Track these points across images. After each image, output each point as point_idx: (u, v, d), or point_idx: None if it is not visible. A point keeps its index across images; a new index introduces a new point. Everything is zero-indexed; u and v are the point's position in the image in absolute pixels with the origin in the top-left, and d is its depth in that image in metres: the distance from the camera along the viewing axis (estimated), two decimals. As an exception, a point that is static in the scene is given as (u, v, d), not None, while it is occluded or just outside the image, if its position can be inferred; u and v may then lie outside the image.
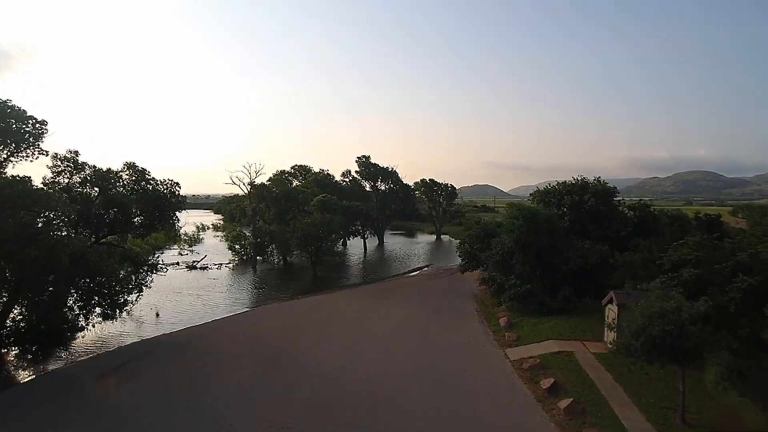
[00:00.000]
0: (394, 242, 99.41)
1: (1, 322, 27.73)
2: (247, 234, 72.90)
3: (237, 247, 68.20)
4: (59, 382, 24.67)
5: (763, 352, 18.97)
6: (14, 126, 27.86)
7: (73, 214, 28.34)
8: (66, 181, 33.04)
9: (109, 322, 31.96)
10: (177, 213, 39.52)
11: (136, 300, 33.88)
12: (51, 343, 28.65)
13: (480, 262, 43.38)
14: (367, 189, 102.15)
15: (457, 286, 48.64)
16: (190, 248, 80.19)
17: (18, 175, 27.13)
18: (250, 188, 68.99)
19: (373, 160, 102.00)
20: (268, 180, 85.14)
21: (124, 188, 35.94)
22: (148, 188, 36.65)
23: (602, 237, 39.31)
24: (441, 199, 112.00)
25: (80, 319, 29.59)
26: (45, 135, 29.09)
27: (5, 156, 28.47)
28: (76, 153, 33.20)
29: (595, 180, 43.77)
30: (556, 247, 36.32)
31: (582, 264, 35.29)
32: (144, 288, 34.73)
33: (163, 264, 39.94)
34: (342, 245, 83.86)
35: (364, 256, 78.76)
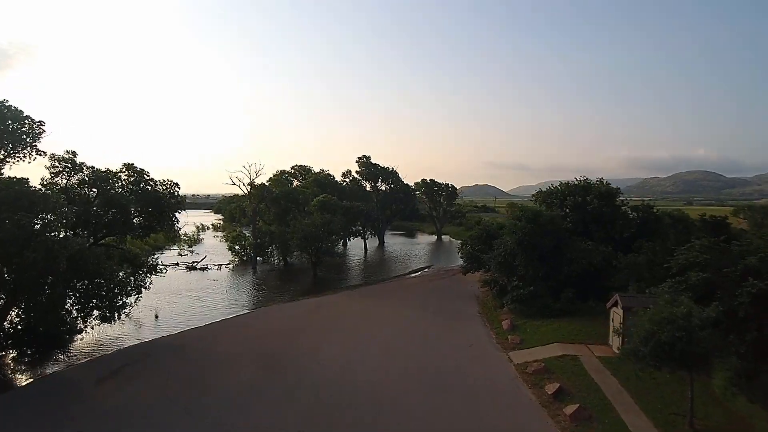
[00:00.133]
0: (394, 243, 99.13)
1: (-1, 324, 27.43)
2: (247, 234, 72.59)
3: (237, 247, 67.89)
4: (58, 385, 24.35)
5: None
6: (11, 126, 27.54)
7: (71, 215, 28.01)
8: (64, 181, 32.74)
9: (107, 325, 31.63)
10: (176, 214, 39.23)
11: (135, 302, 33.60)
12: (49, 346, 28.41)
13: (482, 263, 43.05)
14: (368, 189, 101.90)
15: (459, 288, 48.33)
16: (190, 249, 79.86)
17: (15, 177, 26.82)
18: (250, 188, 68.63)
19: (373, 160, 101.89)
20: (268, 180, 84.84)
21: (123, 189, 35.62)
22: (147, 189, 36.34)
23: (605, 238, 39.00)
24: (441, 200, 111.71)
25: (78, 322, 29.34)
26: (42, 135, 28.80)
27: (2, 157, 28.16)
28: (74, 153, 32.92)
29: (597, 181, 43.55)
30: (559, 249, 36.01)
31: (585, 266, 34.97)
32: (143, 289, 34.44)
33: (163, 265, 39.61)
34: (342, 246, 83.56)
35: (365, 257, 78.49)
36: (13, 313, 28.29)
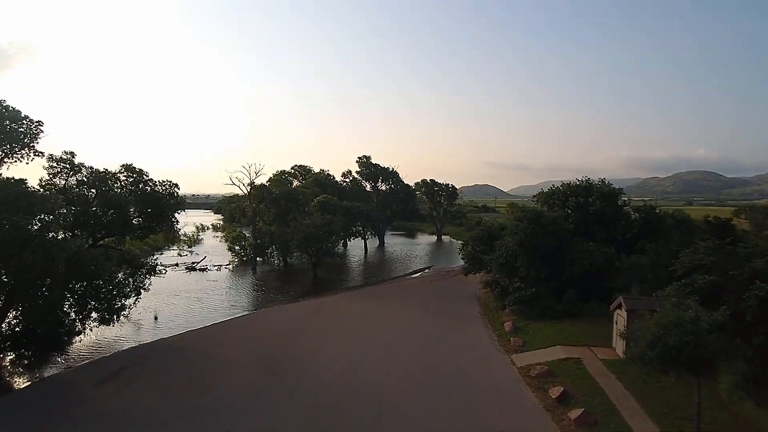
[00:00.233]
0: (394, 243, 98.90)
1: (-3, 326, 27.17)
2: (247, 235, 72.33)
3: (237, 248, 67.64)
4: (56, 388, 24.12)
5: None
6: (9, 127, 27.25)
7: (69, 216, 27.76)
8: (62, 182, 32.45)
9: (106, 326, 31.35)
10: (176, 214, 38.96)
11: (134, 303, 33.34)
12: (47, 348, 28.15)
13: (483, 264, 42.81)
14: (368, 189, 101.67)
15: (460, 289, 48.11)
16: (190, 249, 79.63)
17: (13, 177, 26.55)
18: (250, 189, 68.35)
19: (373, 161, 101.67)
20: (268, 180, 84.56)
21: (122, 190, 35.35)
22: (146, 190, 36.07)
23: (607, 239, 38.78)
24: (442, 200, 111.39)
25: (77, 324, 29.07)
26: (40, 136, 28.51)
27: (-1, 157, 27.90)
28: (72, 154, 32.62)
29: (599, 181, 43.37)
30: (561, 250, 35.78)
31: (587, 267, 34.75)
32: (142, 291, 34.15)
33: (162, 266, 39.35)
34: (342, 246, 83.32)
35: (365, 258, 78.24)
36: (11, 315, 28.03)
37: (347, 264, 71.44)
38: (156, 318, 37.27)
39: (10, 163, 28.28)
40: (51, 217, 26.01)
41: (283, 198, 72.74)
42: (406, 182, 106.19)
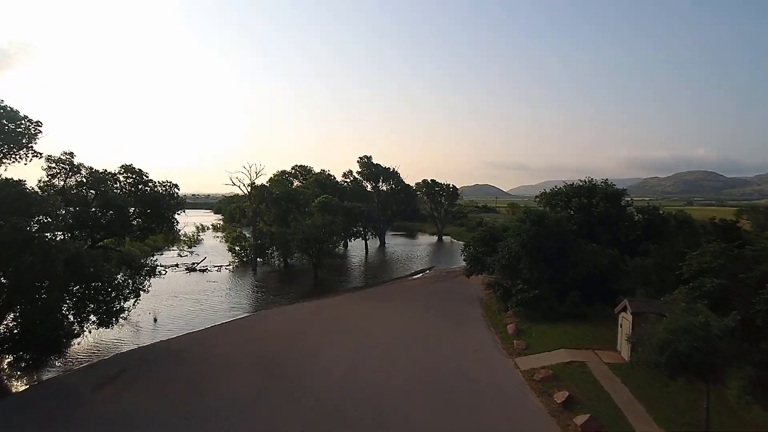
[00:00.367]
0: (395, 243, 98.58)
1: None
2: (247, 235, 72.01)
3: (237, 248, 67.32)
4: (55, 392, 23.84)
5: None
6: (7, 127, 26.94)
7: (68, 217, 27.46)
8: (61, 183, 32.16)
9: (105, 329, 31.00)
10: (176, 215, 38.70)
11: (133, 305, 32.99)
12: (46, 351, 27.75)
13: (485, 266, 42.49)
14: (369, 189, 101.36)
15: (461, 290, 47.80)
16: (190, 249, 79.29)
17: (12, 178, 26.26)
18: (251, 189, 68.03)
19: (373, 161, 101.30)
20: (269, 180, 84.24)
21: (122, 190, 35.07)
22: (145, 190, 35.81)
23: (610, 240, 38.48)
24: (443, 200, 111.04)
25: (75, 326, 28.73)
26: (39, 136, 28.20)
27: (-3, 158, 27.60)
28: (71, 155, 32.36)
29: (602, 182, 43.09)
30: (564, 251, 35.46)
31: (590, 268, 34.44)
32: (142, 292, 33.85)
33: (162, 266, 39.08)
34: (343, 247, 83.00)
35: (366, 258, 77.92)
36: (9, 317, 27.70)
37: (348, 265, 71.14)
38: (156, 320, 36.94)
39: (8, 163, 27.99)
40: (49, 218, 25.71)
41: (284, 198, 72.40)
42: (406, 182, 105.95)
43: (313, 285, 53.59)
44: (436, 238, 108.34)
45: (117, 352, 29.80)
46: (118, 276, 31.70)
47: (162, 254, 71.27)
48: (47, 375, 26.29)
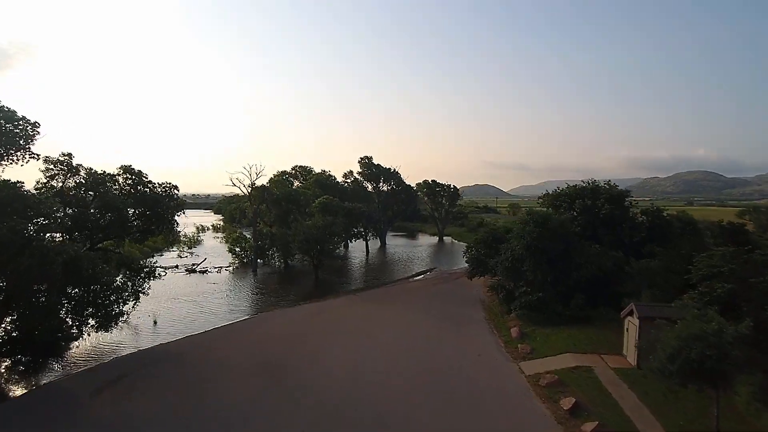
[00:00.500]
0: (396, 244, 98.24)
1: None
2: (248, 236, 71.65)
3: (237, 249, 66.97)
4: (53, 396, 23.55)
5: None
6: (4, 127, 26.57)
7: (66, 219, 27.11)
8: (60, 184, 31.80)
9: (105, 332, 30.72)
10: (175, 216, 38.35)
11: (132, 307, 32.69)
12: (45, 354, 27.49)
13: (488, 268, 42.14)
14: (369, 190, 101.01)
15: (463, 292, 47.45)
16: (190, 250, 78.92)
17: (10, 180, 25.92)
18: (251, 190, 67.67)
19: (374, 161, 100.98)
20: (269, 181, 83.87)
21: (121, 192, 34.71)
22: (145, 192, 35.46)
23: (614, 242, 38.12)
24: (443, 200, 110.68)
25: (74, 330, 28.40)
26: (36, 137, 27.83)
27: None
28: (70, 156, 31.99)
29: (605, 183, 42.75)
30: (568, 253, 35.09)
31: (595, 271, 34.08)
32: (141, 295, 33.55)
33: (162, 268, 38.76)
34: (344, 248, 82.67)
35: (366, 259, 77.57)
36: (7, 321, 27.36)
37: (349, 266, 70.80)
38: (155, 322, 36.59)
39: (6, 165, 27.62)
40: (47, 221, 25.37)
41: (284, 199, 72.04)
42: (407, 183, 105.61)
43: (314, 286, 53.24)
44: (436, 238, 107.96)
45: (116, 355, 29.46)
46: (118, 278, 31.38)
47: (162, 255, 70.92)
48: (46, 379, 25.95)
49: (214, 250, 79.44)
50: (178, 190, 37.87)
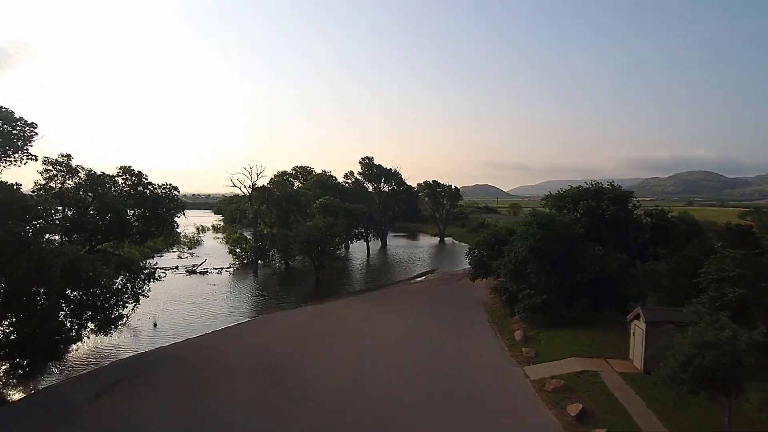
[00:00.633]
0: (397, 245, 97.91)
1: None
2: (248, 237, 71.29)
3: (237, 250, 66.61)
4: (51, 400, 23.25)
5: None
6: (1, 128, 26.19)
7: (65, 221, 26.76)
8: (58, 186, 31.42)
9: (104, 336, 30.39)
10: (175, 217, 37.99)
11: (132, 310, 32.39)
12: (44, 358, 27.11)
13: (491, 270, 41.78)
14: (370, 190, 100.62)
15: (466, 294, 47.13)
16: (190, 251, 78.56)
17: (7, 182, 25.56)
18: (251, 191, 67.29)
19: (374, 161, 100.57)
20: (269, 181, 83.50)
21: (120, 193, 34.35)
22: (145, 193, 35.08)
23: (618, 243, 37.77)
24: (444, 201, 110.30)
25: (73, 333, 28.06)
26: (34, 138, 27.43)
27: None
28: (69, 156, 31.62)
29: (609, 184, 42.40)
30: (572, 255, 34.74)
31: (599, 273, 33.72)
32: (141, 297, 33.19)
33: (162, 269, 38.41)
34: (345, 248, 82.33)
35: (368, 260, 77.25)
36: (5, 323, 27.02)
37: (350, 267, 70.45)
38: (155, 325, 36.23)
39: (3, 166, 27.25)
40: (44, 223, 25.01)
41: (285, 200, 71.63)
42: (407, 183, 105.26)
43: (315, 288, 52.90)
44: (437, 239, 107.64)
45: (116, 359, 29.16)
46: (117, 281, 31.02)
47: (162, 256, 70.56)
48: (45, 383, 25.67)
49: (215, 251, 79.07)
50: (178, 191, 37.47)
